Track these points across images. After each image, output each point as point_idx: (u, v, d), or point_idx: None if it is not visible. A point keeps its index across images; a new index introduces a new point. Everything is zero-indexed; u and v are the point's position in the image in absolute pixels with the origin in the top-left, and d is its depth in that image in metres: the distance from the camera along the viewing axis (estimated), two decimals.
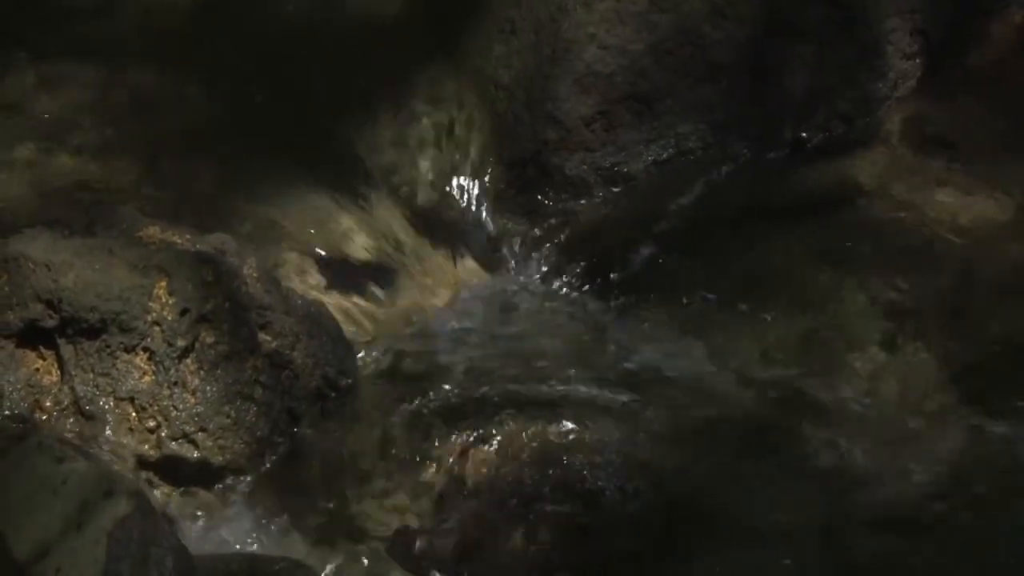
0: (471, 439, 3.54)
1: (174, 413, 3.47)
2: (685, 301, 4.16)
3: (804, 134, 4.59)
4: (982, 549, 3.27)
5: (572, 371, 3.81)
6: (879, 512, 3.37)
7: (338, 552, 3.37)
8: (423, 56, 4.52)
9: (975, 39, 4.76)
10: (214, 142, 4.30)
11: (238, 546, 3.37)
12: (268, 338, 3.60)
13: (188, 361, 3.50)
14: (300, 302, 3.73)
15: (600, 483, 3.41)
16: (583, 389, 3.70)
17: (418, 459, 3.53)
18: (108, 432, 3.46)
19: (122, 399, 3.47)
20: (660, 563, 3.24)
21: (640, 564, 3.25)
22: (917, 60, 4.72)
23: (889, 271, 4.14)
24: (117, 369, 3.48)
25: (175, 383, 3.48)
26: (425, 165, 4.41)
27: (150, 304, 3.48)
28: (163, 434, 3.47)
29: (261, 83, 4.42)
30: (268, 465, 3.53)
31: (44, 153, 4.20)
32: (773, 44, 4.53)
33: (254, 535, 3.40)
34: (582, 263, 4.33)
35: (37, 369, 3.51)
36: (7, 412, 3.44)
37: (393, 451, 3.57)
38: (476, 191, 4.41)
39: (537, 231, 4.40)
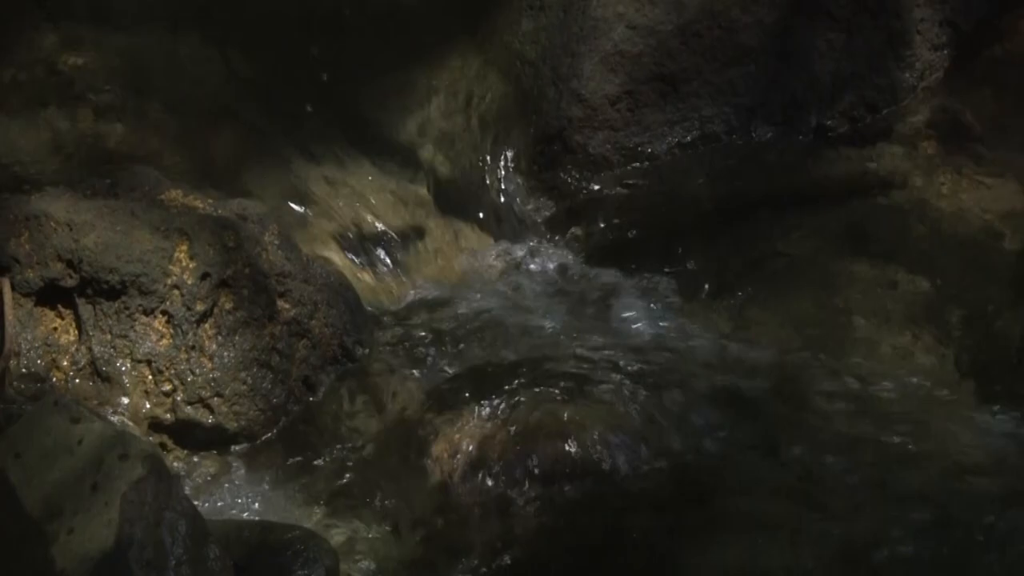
0: (485, 414, 3.53)
1: (190, 377, 3.47)
2: (703, 281, 4.16)
3: (829, 121, 4.58)
4: (985, 537, 3.26)
5: (588, 349, 3.80)
6: (887, 495, 3.36)
7: (350, 521, 3.37)
8: (450, 29, 4.50)
9: (1003, 33, 4.74)
10: (237, 109, 4.29)
11: (251, 512, 3.37)
12: (287, 306, 3.60)
13: (206, 326, 3.49)
14: (320, 270, 3.73)
15: (613, 461, 3.41)
16: (599, 367, 3.69)
17: (432, 432, 3.53)
18: (124, 394, 3.46)
19: (139, 361, 3.47)
20: (672, 540, 3.24)
21: (652, 541, 3.24)
22: (945, 51, 4.70)
23: (909, 260, 4.14)
24: (135, 331, 3.48)
25: (192, 347, 3.48)
26: (449, 138, 4.40)
27: (170, 267, 3.48)
28: (179, 398, 3.47)
29: (287, 53, 4.41)
30: (283, 432, 3.53)
31: (66, 114, 4.19)
32: (801, 29, 4.51)
33: (267, 501, 3.40)
34: (603, 241, 4.33)
35: (55, 328, 3.51)
36: (24, 370, 3.45)
37: (408, 423, 3.57)
38: (499, 166, 4.40)
39: (559, 208, 4.39)
